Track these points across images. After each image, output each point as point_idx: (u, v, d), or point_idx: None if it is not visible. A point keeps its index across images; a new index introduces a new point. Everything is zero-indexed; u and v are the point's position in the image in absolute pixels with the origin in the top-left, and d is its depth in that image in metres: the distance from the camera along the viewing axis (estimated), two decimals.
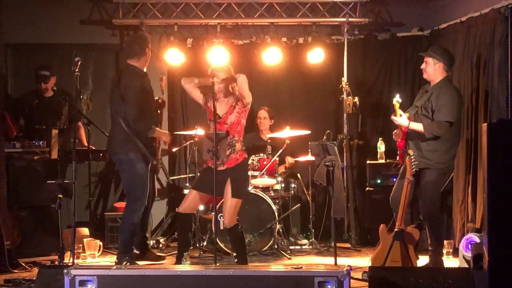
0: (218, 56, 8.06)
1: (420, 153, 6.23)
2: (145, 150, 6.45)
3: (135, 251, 6.84)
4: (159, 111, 7.31)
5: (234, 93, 6.18)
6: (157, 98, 7.23)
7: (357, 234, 8.24)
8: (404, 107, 6.51)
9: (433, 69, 6.33)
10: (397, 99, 6.32)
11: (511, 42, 6.52)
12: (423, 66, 6.44)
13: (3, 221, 6.59)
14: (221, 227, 7.14)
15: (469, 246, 6.43)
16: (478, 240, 6.35)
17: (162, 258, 7.21)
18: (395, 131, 6.50)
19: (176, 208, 6.48)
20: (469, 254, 6.34)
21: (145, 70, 6.71)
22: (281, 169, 8.03)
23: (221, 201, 6.65)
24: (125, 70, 6.59)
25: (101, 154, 7.84)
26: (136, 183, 6.55)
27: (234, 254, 6.47)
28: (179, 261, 6.27)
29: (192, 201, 6.36)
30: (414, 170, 5.90)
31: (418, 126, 6.24)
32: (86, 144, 7.71)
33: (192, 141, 7.79)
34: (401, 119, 6.30)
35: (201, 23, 8.60)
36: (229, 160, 6.15)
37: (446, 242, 7.15)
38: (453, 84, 6.59)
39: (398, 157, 6.61)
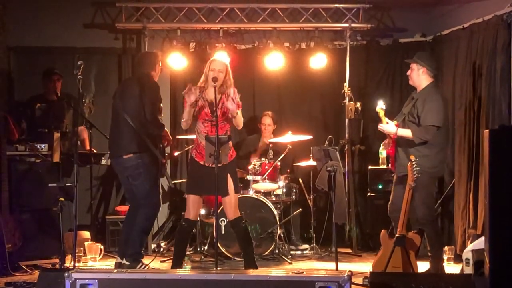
0: (222, 57, 8.04)
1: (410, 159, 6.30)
2: (154, 148, 6.47)
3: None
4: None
5: (227, 89, 6.19)
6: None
7: (358, 240, 8.24)
8: (394, 114, 6.56)
9: (417, 75, 6.43)
10: (380, 106, 6.41)
11: None
12: (408, 72, 6.54)
13: (4, 224, 6.59)
14: (222, 231, 7.16)
15: None
16: None
17: None
18: (385, 141, 6.57)
19: (184, 217, 6.37)
20: None
21: None
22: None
23: (221, 207, 6.65)
24: (145, 75, 6.72)
25: (102, 158, 7.85)
26: (154, 186, 6.62)
27: (242, 254, 6.48)
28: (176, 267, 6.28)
29: (196, 206, 6.30)
30: (415, 176, 5.91)
31: (406, 132, 6.31)
32: (87, 148, 7.73)
33: (193, 145, 7.78)
34: (388, 126, 6.39)
35: (203, 28, 8.61)
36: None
37: (447, 248, 7.15)
38: (439, 90, 6.69)
39: (390, 164, 6.66)
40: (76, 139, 6.43)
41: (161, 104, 7.27)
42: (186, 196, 6.46)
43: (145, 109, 6.42)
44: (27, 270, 6.65)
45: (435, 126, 6.24)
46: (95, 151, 7.78)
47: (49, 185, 6.32)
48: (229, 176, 6.16)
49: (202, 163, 6.17)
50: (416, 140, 6.24)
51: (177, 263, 6.28)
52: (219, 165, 5.90)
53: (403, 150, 6.37)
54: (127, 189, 6.83)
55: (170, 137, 6.87)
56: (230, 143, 6.21)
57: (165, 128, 6.80)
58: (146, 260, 6.82)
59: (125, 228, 6.78)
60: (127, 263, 6.52)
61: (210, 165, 6.05)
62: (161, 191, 6.91)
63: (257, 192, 7.62)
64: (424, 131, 6.24)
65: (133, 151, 6.47)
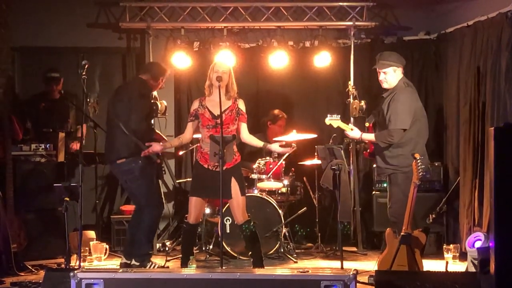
0: (225, 60, 8.05)
1: (385, 160, 6.36)
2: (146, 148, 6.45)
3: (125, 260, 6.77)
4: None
5: (232, 98, 6.19)
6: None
7: (364, 238, 8.23)
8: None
9: (394, 76, 6.45)
10: (330, 118, 6.45)
11: None
12: (381, 77, 6.51)
13: (10, 224, 6.61)
14: (227, 230, 7.16)
15: (474, 244, 6.45)
16: (483, 238, 6.38)
17: None
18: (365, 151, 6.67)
19: (186, 219, 6.36)
20: (473, 249, 6.34)
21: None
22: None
23: (227, 205, 6.64)
24: (138, 80, 6.79)
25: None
26: (152, 187, 6.65)
27: (250, 253, 6.48)
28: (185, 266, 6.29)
29: (198, 208, 6.28)
30: (420, 174, 5.88)
31: (370, 137, 6.42)
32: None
33: (198, 144, 7.78)
34: (353, 132, 6.49)
35: (207, 27, 8.60)
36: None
37: (453, 246, 7.15)
38: (406, 85, 6.50)
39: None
40: (81, 139, 6.44)
41: (165, 104, 7.30)
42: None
43: (131, 117, 6.45)
44: (33, 270, 6.66)
45: (400, 129, 6.24)
46: (86, 150, 7.77)
47: (54, 185, 6.32)
48: (233, 179, 6.12)
49: (206, 166, 6.15)
50: (381, 144, 6.31)
51: (185, 262, 6.30)
52: (224, 168, 5.87)
53: (378, 152, 6.44)
54: (129, 192, 6.86)
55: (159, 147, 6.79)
56: (235, 146, 6.20)
57: (157, 131, 6.80)
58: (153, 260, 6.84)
59: (130, 229, 6.80)
60: (137, 263, 6.54)
61: (214, 166, 6.03)
62: (162, 191, 6.91)
63: (261, 191, 7.62)
64: (386, 134, 6.26)
65: (125, 156, 6.49)
